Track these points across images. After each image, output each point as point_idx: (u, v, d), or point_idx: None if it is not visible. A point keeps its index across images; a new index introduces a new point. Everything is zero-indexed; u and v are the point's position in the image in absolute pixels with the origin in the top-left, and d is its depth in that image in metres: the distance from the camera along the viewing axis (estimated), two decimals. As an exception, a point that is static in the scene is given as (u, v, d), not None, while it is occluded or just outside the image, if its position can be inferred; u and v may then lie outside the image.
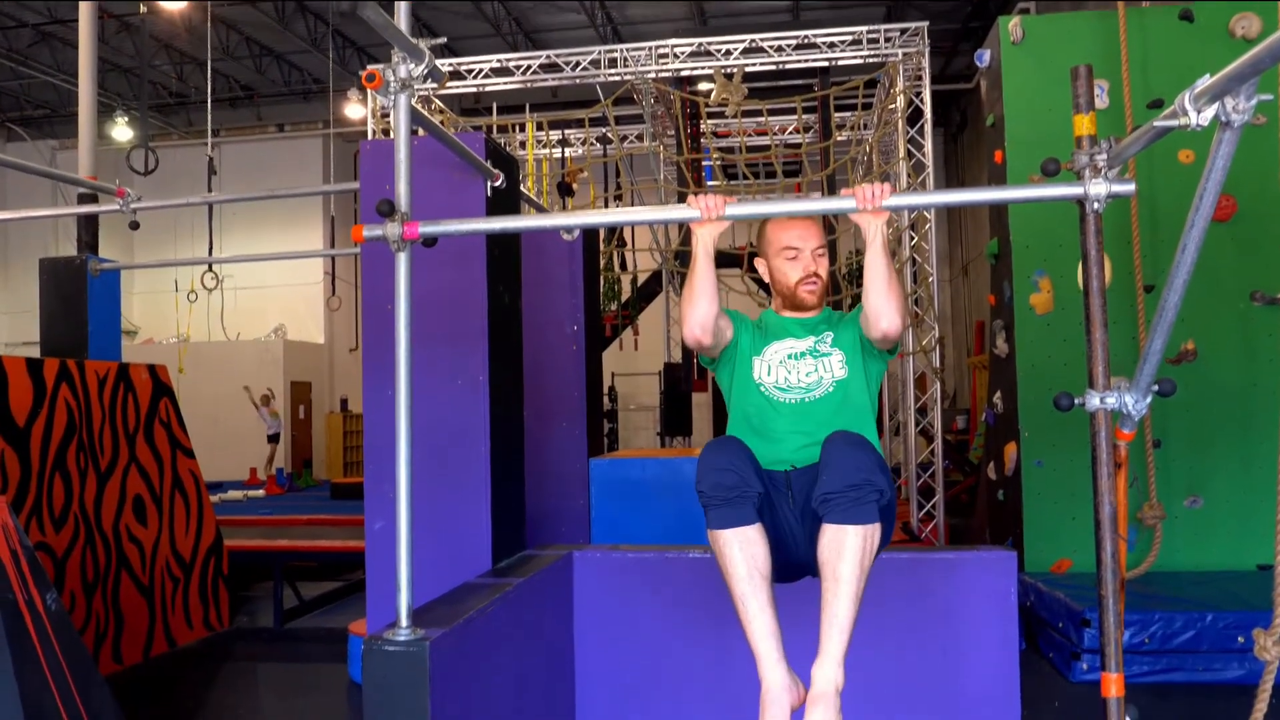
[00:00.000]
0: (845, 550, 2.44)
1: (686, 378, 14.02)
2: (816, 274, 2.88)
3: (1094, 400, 2.46)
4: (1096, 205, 2.50)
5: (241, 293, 18.69)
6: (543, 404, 5.08)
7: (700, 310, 2.77)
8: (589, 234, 5.61)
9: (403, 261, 2.86)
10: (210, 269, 9.64)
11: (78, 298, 6.20)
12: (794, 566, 2.83)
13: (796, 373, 2.87)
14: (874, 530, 2.47)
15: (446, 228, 2.85)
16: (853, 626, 2.50)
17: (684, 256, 11.34)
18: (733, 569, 2.56)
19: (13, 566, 3.63)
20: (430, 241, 2.89)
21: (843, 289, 10.90)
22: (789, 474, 2.80)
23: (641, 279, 14.60)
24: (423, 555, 3.70)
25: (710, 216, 2.69)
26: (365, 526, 3.98)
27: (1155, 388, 2.55)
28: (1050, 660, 5.89)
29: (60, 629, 3.74)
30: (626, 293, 14.84)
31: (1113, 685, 2.35)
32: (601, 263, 12.88)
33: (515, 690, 3.43)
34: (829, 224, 10.28)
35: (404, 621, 2.79)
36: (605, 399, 20.82)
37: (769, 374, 2.89)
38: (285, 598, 7.29)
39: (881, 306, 2.69)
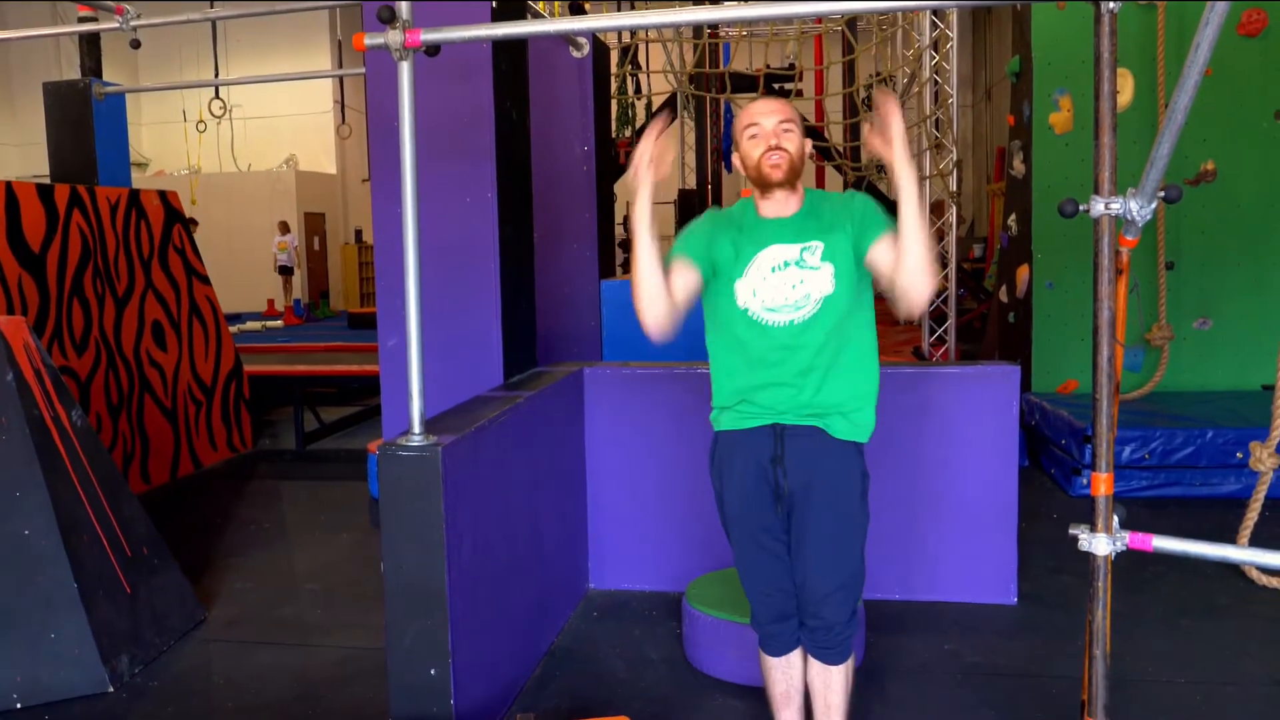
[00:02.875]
0: (834, 684, 2.64)
1: (701, 204, 13.89)
2: (779, 147, 2.46)
3: (1099, 206, 2.43)
4: (1112, 5, 2.41)
5: (251, 123, 18.44)
6: (553, 225, 5.06)
7: (651, 311, 2.48)
8: (600, 52, 5.47)
9: (405, 71, 2.82)
10: (217, 95, 9.47)
11: (84, 123, 6.15)
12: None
13: (783, 289, 2.48)
14: (852, 657, 2.67)
15: (449, 34, 2.80)
16: None
17: (699, 79, 11.08)
18: (771, 689, 2.77)
19: (37, 385, 3.73)
20: (433, 50, 2.84)
21: (860, 116, 10.62)
22: (779, 432, 2.52)
23: (656, 104, 14.29)
24: (435, 372, 3.78)
25: (634, 175, 2.39)
26: (379, 344, 4.06)
27: (1161, 194, 2.52)
28: (1051, 476, 6.04)
29: (87, 444, 3.87)
30: (641, 118, 14.55)
31: (1102, 484, 2.42)
32: (615, 86, 12.61)
33: (528, 494, 3.56)
34: (848, 43, 9.99)
35: (417, 428, 2.88)
36: (620, 228, 20.72)
37: (754, 295, 2.50)
38: (306, 421, 7.49)
39: (917, 281, 2.37)
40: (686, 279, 2.54)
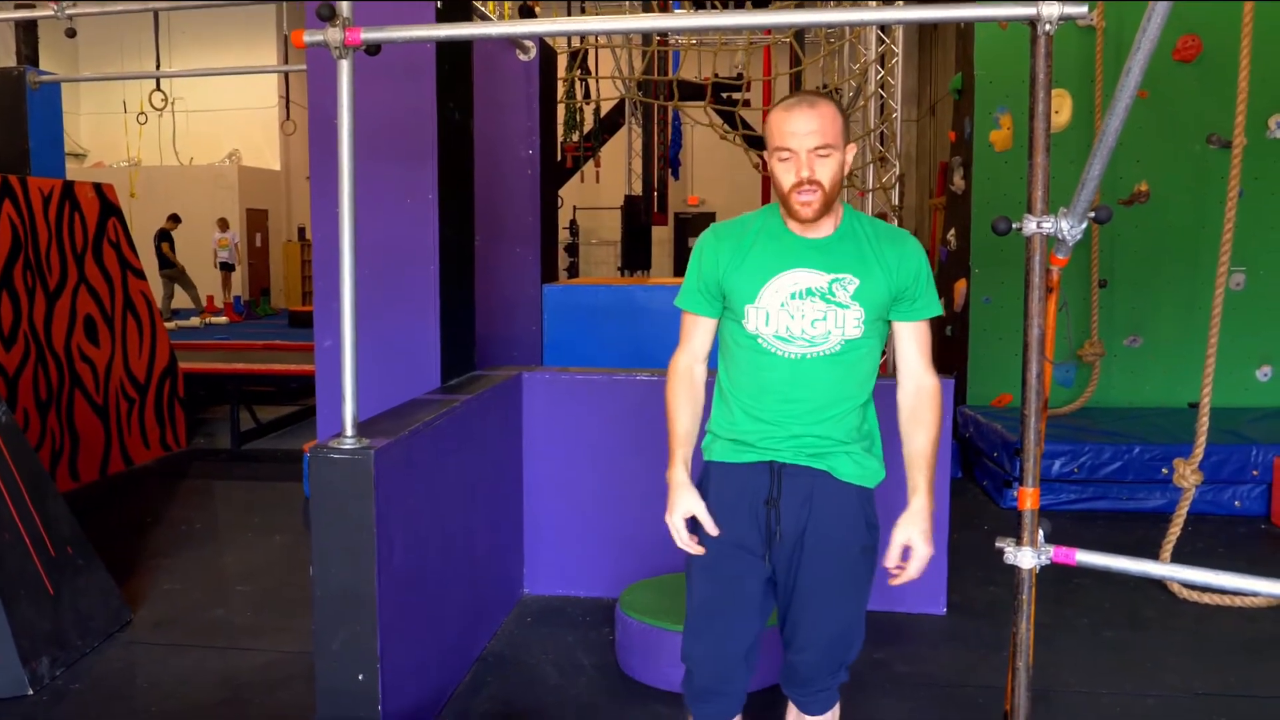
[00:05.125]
0: None
1: (646, 211, 13.94)
2: (814, 180, 2.10)
3: (1031, 225, 2.48)
4: (1048, 27, 2.46)
5: (194, 116, 18.13)
6: (496, 228, 5.05)
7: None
8: (546, 55, 5.46)
9: (345, 70, 2.80)
10: (158, 87, 9.31)
11: (16, 111, 6.02)
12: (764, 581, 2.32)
13: (801, 318, 2.17)
14: (839, 703, 2.45)
15: (390, 34, 2.77)
16: None
17: (646, 87, 11.11)
18: None
19: (-40, 377, 3.63)
20: (374, 49, 2.81)
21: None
22: (775, 470, 2.23)
23: (605, 109, 14.32)
24: (373, 374, 3.75)
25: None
26: (315, 345, 4.01)
27: (1092, 214, 2.58)
28: (984, 488, 6.13)
29: (11, 441, 3.78)
30: (589, 124, 14.57)
31: (1028, 499, 2.46)
32: (563, 90, 12.61)
33: (462, 499, 3.54)
34: (796, 55, 10.08)
35: (349, 431, 2.85)
36: (566, 232, 20.72)
37: (767, 323, 2.19)
38: (242, 420, 7.38)
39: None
40: (708, 330, 2.34)
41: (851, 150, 2.20)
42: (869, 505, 2.31)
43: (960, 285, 7.11)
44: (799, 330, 2.18)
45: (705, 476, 2.33)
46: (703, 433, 2.38)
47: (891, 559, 2.23)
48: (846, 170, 2.18)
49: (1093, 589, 4.37)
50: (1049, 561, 2.47)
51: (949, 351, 7.33)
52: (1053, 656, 3.67)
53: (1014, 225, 2.60)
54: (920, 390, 2.29)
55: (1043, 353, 2.61)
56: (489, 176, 4.72)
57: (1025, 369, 2.56)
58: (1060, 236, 2.59)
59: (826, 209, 2.15)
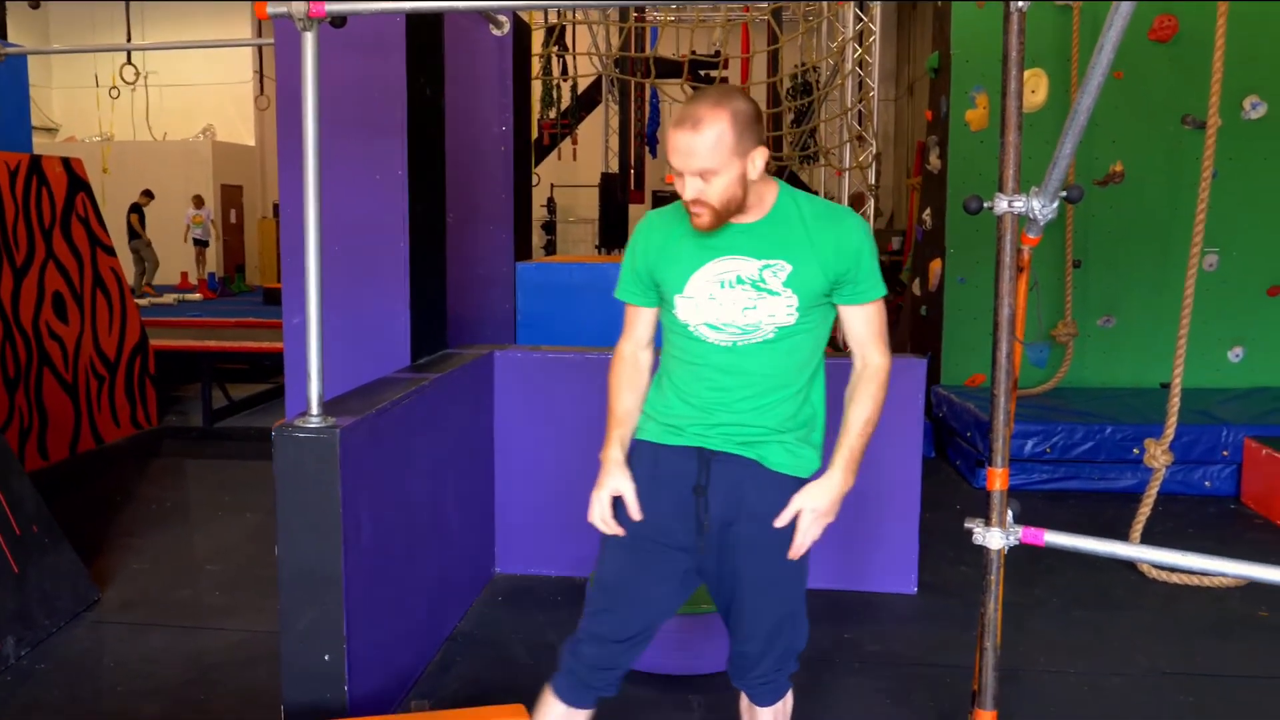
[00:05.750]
0: None
1: (623, 188, 13.87)
2: (698, 200, 2.03)
3: (1002, 204, 2.47)
4: (1021, 4, 2.44)
5: (167, 91, 17.91)
6: (469, 206, 4.99)
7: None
8: (521, 31, 5.40)
9: (309, 42, 2.74)
10: (129, 61, 9.16)
11: (-20, 83, 5.90)
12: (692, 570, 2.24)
13: (730, 308, 2.09)
14: (789, 695, 2.35)
15: (355, 6, 2.72)
16: None
17: (624, 63, 11.04)
18: None
19: (-80, 354, 3.57)
20: (339, 21, 2.76)
21: (784, 105, 10.61)
22: (705, 457, 2.15)
23: (581, 86, 14.22)
24: (342, 352, 3.71)
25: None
26: (284, 322, 3.96)
27: (1064, 194, 2.57)
28: (956, 467, 6.15)
29: (-26, 418, 3.73)
30: (566, 101, 14.47)
31: (997, 480, 2.46)
32: (539, 67, 12.51)
33: (432, 478, 3.51)
34: (773, 32, 10.02)
35: (314, 409, 2.81)
36: (544, 210, 20.60)
37: (696, 313, 2.12)
38: (215, 398, 7.32)
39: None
40: (648, 319, 2.30)
41: (761, 155, 2.04)
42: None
43: (935, 265, 7.11)
44: (729, 318, 2.10)
45: (634, 454, 2.26)
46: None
47: (781, 520, 2.13)
48: (757, 174, 2.06)
49: (1063, 568, 4.39)
50: (1018, 542, 2.47)
51: (924, 332, 7.34)
52: (1022, 636, 3.69)
53: (985, 204, 2.59)
54: (867, 366, 2.22)
55: (1013, 332, 2.60)
56: (461, 153, 4.67)
57: (995, 349, 2.56)
58: (1032, 215, 2.58)
59: (721, 220, 2.07)
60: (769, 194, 2.13)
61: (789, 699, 2.35)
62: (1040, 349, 6.74)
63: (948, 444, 6.38)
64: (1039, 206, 2.54)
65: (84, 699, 3.31)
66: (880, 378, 2.21)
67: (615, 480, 2.20)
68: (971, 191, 6.98)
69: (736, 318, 2.10)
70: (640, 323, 2.30)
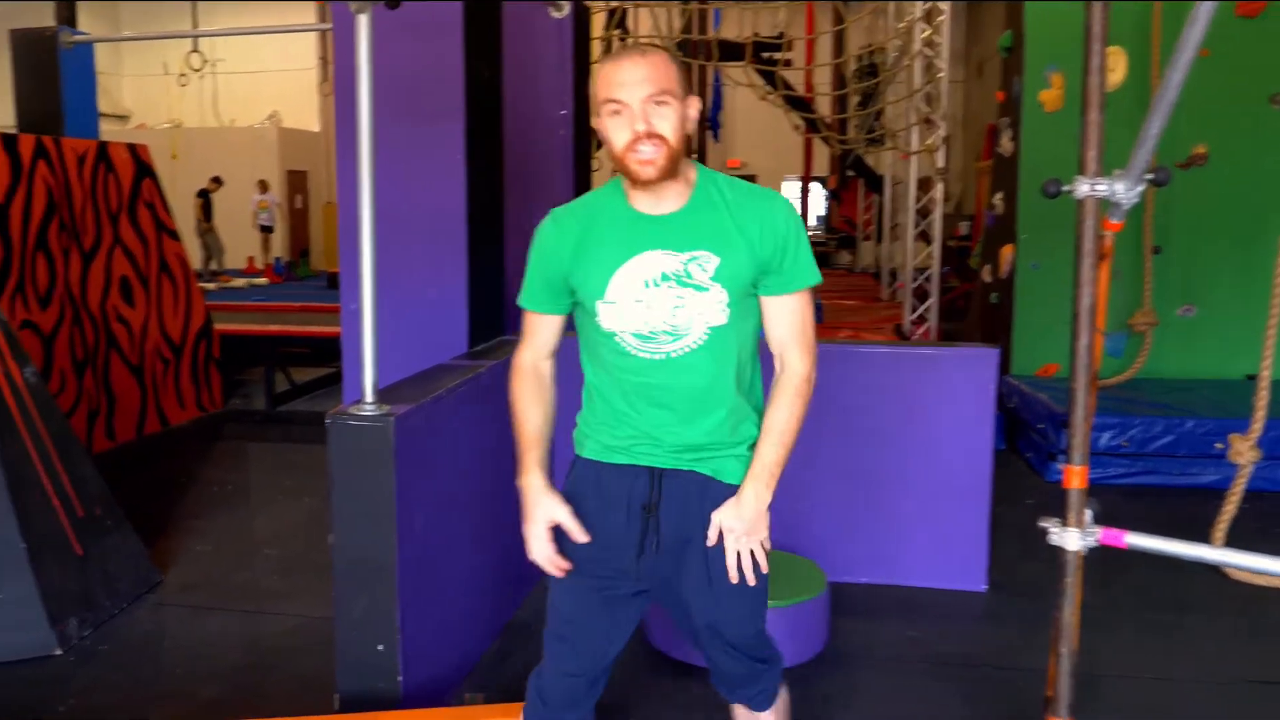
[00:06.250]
0: None
1: (687, 175, 13.73)
2: (652, 133, 1.80)
3: (1083, 187, 2.34)
4: (1105, -25, 2.31)
5: (234, 78, 18.17)
6: (528, 190, 4.93)
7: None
8: (581, 13, 5.32)
9: (363, 25, 2.69)
10: (195, 48, 9.26)
11: (49, 72, 5.98)
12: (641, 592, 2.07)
13: (658, 310, 1.88)
14: (783, 696, 2.21)
15: (410, -13, 2.67)
16: None
17: (686, 46, 10.91)
18: None
19: (-13, 339, 3.61)
20: (394, 2, 2.71)
21: (849, 88, 10.36)
22: (655, 475, 1.97)
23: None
24: (399, 339, 3.68)
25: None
26: (341, 308, 3.94)
27: (1149, 176, 2.43)
28: (1028, 460, 5.98)
29: (40, 401, 3.76)
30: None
31: (1075, 478, 2.34)
32: (600, 50, 12.41)
33: (488, 465, 3.46)
34: (839, 13, 9.82)
35: (369, 397, 2.78)
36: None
37: (620, 319, 1.90)
38: (278, 382, 7.38)
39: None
40: (554, 327, 2.06)
41: (694, 105, 1.88)
42: None
43: (1007, 251, 6.91)
44: (658, 323, 1.88)
45: (575, 474, 2.06)
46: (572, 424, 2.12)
47: (710, 539, 1.94)
48: (690, 129, 1.88)
49: (1139, 567, 4.20)
50: (1096, 544, 2.35)
51: (994, 319, 7.15)
52: (1097, 639, 3.53)
53: (1065, 188, 2.46)
54: (785, 373, 1.99)
55: (1093, 323, 2.47)
56: (520, 138, 4.61)
57: (1075, 340, 2.43)
58: (1114, 199, 2.45)
59: (672, 168, 1.84)
60: (690, 172, 1.93)
61: (783, 700, 2.21)
62: (1117, 338, 6.52)
63: (1019, 435, 6.19)
64: (1122, 190, 2.40)
65: (143, 681, 3.34)
66: (800, 386, 1.98)
67: (546, 508, 1.96)
68: (1045, 174, 6.75)
69: (666, 319, 1.88)
70: (545, 330, 2.05)
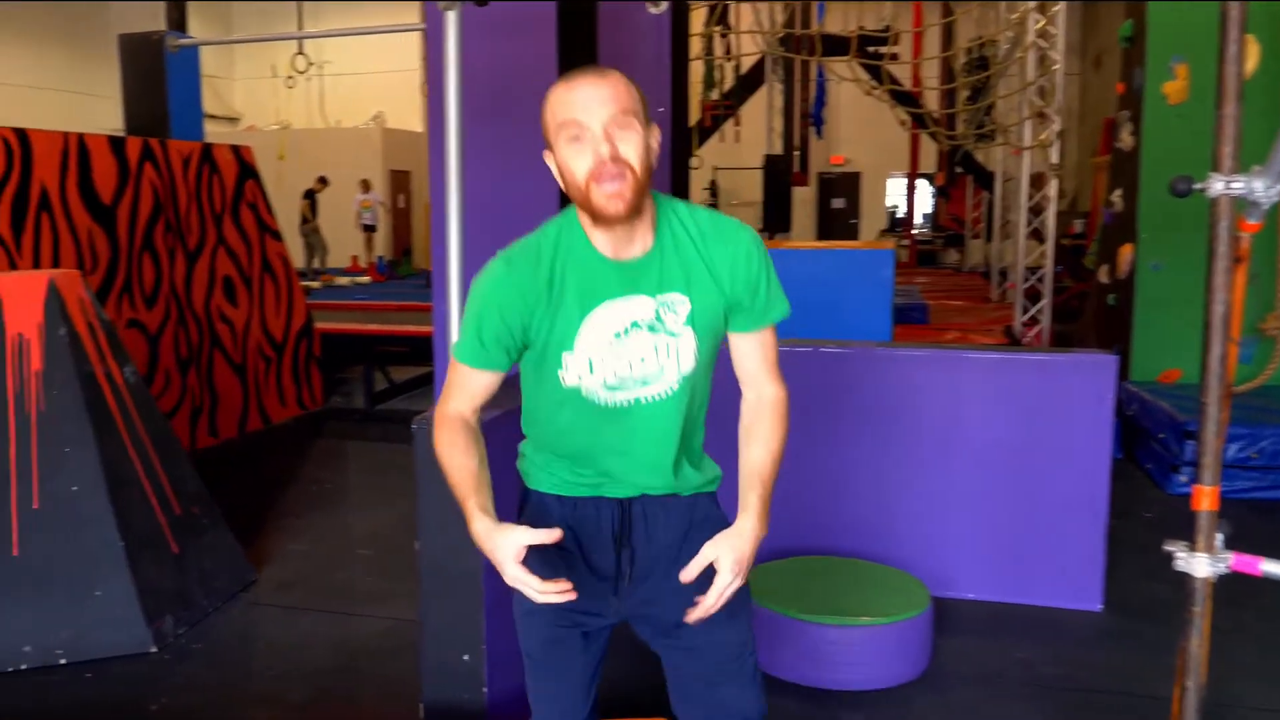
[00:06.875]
0: None
1: (788, 170, 13.54)
2: (618, 158, 1.61)
3: (1218, 185, 2.14)
4: (1244, -47, 2.11)
5: (340, 79, 18.54)
6: (623, 190, 4.87)
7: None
8: (679, 9, 5.22)
9: (451, 22, 2.65)
10: (301, 51, 9.45)
11: (156, 76, 6.12)
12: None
13: (627, 357, 1.74)
14: None
15: (497, -19, 2.59)
16: None
17: (789, 41, 10.73)
18: None
19: (90, 340, 3.67)
20: (482, 0, 2.64)
21: (958, 81, 10.06)
22: (623, 506, 1.85)
23: (745, 66, 13.94)
24: (490, 340, 3.62)
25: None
26: (433, 308, 3.91)
27: (1292, 171, 2.22)
28: (1148, 472, 5.67)
29: (140, 401, 3.81)
30: (729, 82, 14.22)
31: (1205, 499, 2.14)
32: (701, 47, 12.31)
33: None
34: (947, 6, 9.53)
35: (455, 402, 2.71)
36: (706, 193, 20.43)
37: (591, 371, 1.74)
38: (377, 380, 7.45)
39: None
40: (493, 385, 1.82)
41: (656, 137, 1.69)
42: (715, 507, 1.93)
43: (1126, 251, 6.59)
44: (626, 371, 1.74)
45: (526, 505, 1.90)
46: (518, 454, 1.95)
47: (689, 573, 1.68)
48: (654, 160, 1.67)
49: (1272, 589, 3.93)
50: (1226, 570, 2.16)
51: (1111, 322, 6.83)
52: (1224, 666, 3.29)
53: (1196, 185, 2.27)
54: (761, 400, 1.84)
55: (1226, 332, 2.26)
56: (616, 135, 4.52)
57: (1206, 350, 2.23)
58: (1252, 198, 2.24)
59: (639, 202, 1.64)
60: (650, 209, 1.72)
61: None
62: (1248, 343, 6.15)
63: (1137, 445, 5.88)
64: (1262, 188, 2.20)
65: (235, 680, 3.35)
66: (782, 410, 1.83)
67: (510, 539, 1.62)
68: (1168, 170, 6.39)
69: (635, 366, 1.74)
70: (481, 387, 1.81)
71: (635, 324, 1.73)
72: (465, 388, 1.81)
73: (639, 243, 1.72)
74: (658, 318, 1.73)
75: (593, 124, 1.61)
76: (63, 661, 3.38)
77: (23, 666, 3.35)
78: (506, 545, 1.61)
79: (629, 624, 1.93)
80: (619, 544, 1.83)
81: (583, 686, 1.94)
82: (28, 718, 3.11)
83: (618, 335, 1.73)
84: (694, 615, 1.68)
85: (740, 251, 1.76)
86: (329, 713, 3.13)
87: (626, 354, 1.73)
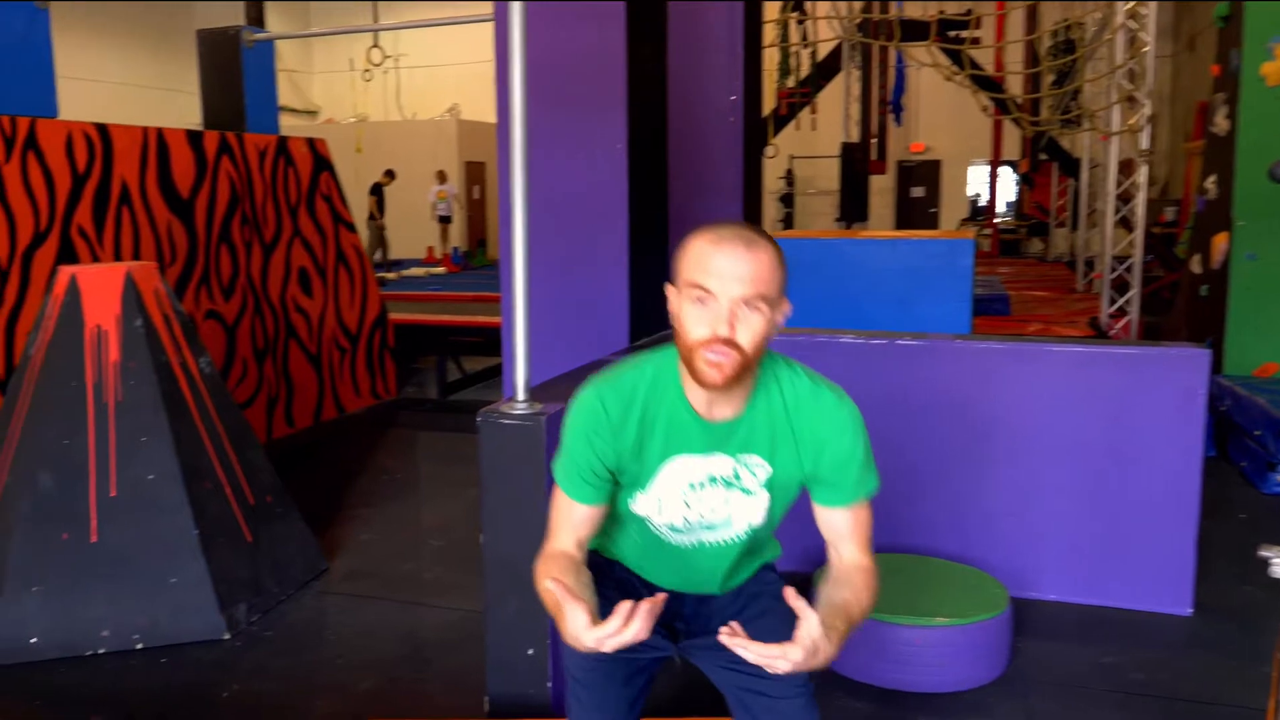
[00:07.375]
0: None
1: (865, 159, 13.32)
2: (731, 341, 1.60)
3: (1324, 166, 2.01)
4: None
5: (416, 72, 18.72)
6: (694, 179, 4.78)
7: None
8: (753, -6, 5.12)
9: (516, 11, 2.60)
10: (376, 43, 9.54)
11: (232, 70, 6.21)
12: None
13: (698, 508, 1.79)
14: None
15: (563, -34, 2.55)
16: None
17: (866, 26, 10.54)
18: None
19: (165, 331, 3.71)
20: (546, -16, 2.60)
21: (1042, 65, 9.74)
22: (686, 600, 1.95)
23: (821, 53, 13.74)
24: (557, 333, 3.60)
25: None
26: (501, 299, 3.89)
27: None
28: (1242, 469, 5.44)
29: (215, 391, 3.85)
30: (805, 69, 14.03)
31: (1308, 501, 2.01)
32: (775, 34, 12.15)
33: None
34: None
35: (521, 395, 2.70)
36: (782, 182, 20.24)
37: (659, 512, 1.80)
38: (449, 371, 7.49)
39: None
40: (597, 519, 1.83)
41: (784, 311, 1.67)
42: (772, 571, 2.02)
43: (1220, 240, 6.33)
44: (695, 519, 1.80)
45: (594, 562, 1.88)
46: None
47: (794, 599, 1.51)
48: (774, 333, 1.65)
49: (1375, 595, 3.74)
50: (1329, 577, 2.03)
51: (1203, 314, 6.57)
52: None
53: (1301, 167, 2.14)
54: (856, 566, 1.77)
55: (1334, 323, 2.14)
56: (687, 125, 4.45)
57: (1310, 343, 2.11)
58: (1363, 180, 2.11)
59: (740, 376, 1.64)
60: (750, 380, 1.72)
61: None
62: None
63: (1231, 442, 5.65)
64: (1373, 169, 2.06)
65: (304, 668, 3.37)
66: (874, 582, 1.75)
67: (577, 609, 1.52)
68: (1267, 156, 6.19)
69: (704, 515, 1.80)
70: (583, 521, 1.80)
71: (712, 479, 1.77)
72: (568, 519, 1.81)
73: (732, 406, 1.73)
74: (735, 475, 1.76)
75: (721, 298, 1.60)
76: (140, 646, 3.44)
77: (101, 650, 3.41)
78: (577, 614, 1.52)
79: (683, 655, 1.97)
80: (674, 617, 1.93)
81: (622, 714, 1.91)
82: (107, 700, 3.16)
83: (692, 486, 1.77)
84: (734, 639, 1.50)
85: (832, 431, 1.75)
86: (395, 703, 3.13)
87: (698, 505, 1.78)
